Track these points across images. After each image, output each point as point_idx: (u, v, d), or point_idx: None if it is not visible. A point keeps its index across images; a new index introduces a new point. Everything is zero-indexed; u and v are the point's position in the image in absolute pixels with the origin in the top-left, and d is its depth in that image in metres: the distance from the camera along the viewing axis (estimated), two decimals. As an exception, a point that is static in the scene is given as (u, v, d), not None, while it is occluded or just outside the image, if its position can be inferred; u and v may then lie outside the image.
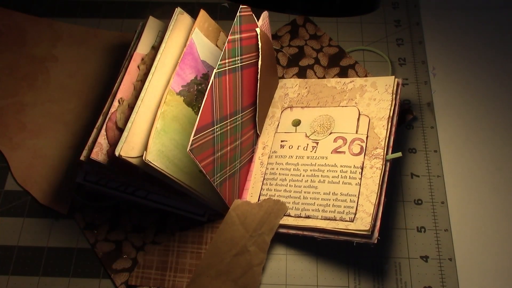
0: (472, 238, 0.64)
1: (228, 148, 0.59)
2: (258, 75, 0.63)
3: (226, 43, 0.56)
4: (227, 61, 0.56)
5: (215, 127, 0.55)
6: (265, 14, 0.64)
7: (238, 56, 0.59)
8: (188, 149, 0.50)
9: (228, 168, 0.60)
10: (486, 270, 0.62)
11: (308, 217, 0.60)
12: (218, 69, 0.54)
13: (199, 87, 0.61)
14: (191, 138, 0.50)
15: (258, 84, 0.64)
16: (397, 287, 0.61)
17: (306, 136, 0.67)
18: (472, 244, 0.64)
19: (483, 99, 0.74)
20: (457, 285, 0.61)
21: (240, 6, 0.58)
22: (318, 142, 0.66)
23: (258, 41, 0.62)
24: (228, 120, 0.59)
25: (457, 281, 0.61)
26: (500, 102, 0.73)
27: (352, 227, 0.58)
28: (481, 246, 0.63)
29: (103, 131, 0.59)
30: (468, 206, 0.66)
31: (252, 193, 0.65)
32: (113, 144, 0.58)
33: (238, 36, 0.58)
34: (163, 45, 0.61)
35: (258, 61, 0.63)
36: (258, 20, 0.62)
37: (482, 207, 0.66)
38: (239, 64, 0.59)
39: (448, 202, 0.66)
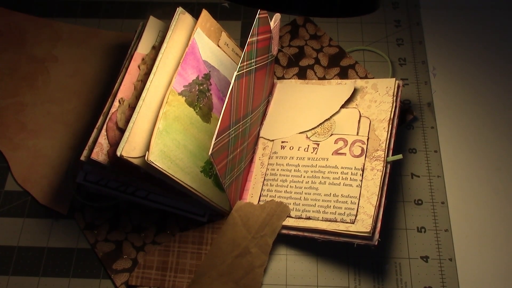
0: (472, 238, 0.64)
1: (238, 150, 0.59)
2: (269, 76, 0.63)
3: (246, 45, 0.56)
4: (245, 63, 0.56)
5: (230, 130, 0.55)
6: (277, 16, 0.64)
7: (253, 59, 0.59)
8: (209, 153, 0.50)
9: (236, 169, 0.60)
10: (486, 270, 0.62)
11: (308, 218, 0.60)
12: (238, 71, 0.54)
13: (201, 87, 0.61)
14: (213, 141, 0.50)
15: (267, 85, 0.64)
16: (397, 287, 0.61)
17: (307, 137, 0.67)
18: (472, 244, 0.64)
19: (483, 99, 0.74)
20: (457, 285, 0.61)
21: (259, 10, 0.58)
22: (319, 144, 0.66)
23: (270, 43, 0.62)
24: (241, 123, 0.59)
25: (457, 281, 0.61)
26: (500, 102, 0.73)
27: (352, 228, 0.58)
28: (481, 246, 0.64)
29: (103, 131, 0.59)
30: (468, 206, 0.66)
31: (252, 193, 0.65)
32: (114, 144, 0.58)
33: (256, 38, 0.58)
34: (164, 44, 0.60)
35: (268, 63, 0.63)
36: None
37: (482, 207, 0.66)
38: (254, 67, 0.59)
39: (448, 202, 0.66)
